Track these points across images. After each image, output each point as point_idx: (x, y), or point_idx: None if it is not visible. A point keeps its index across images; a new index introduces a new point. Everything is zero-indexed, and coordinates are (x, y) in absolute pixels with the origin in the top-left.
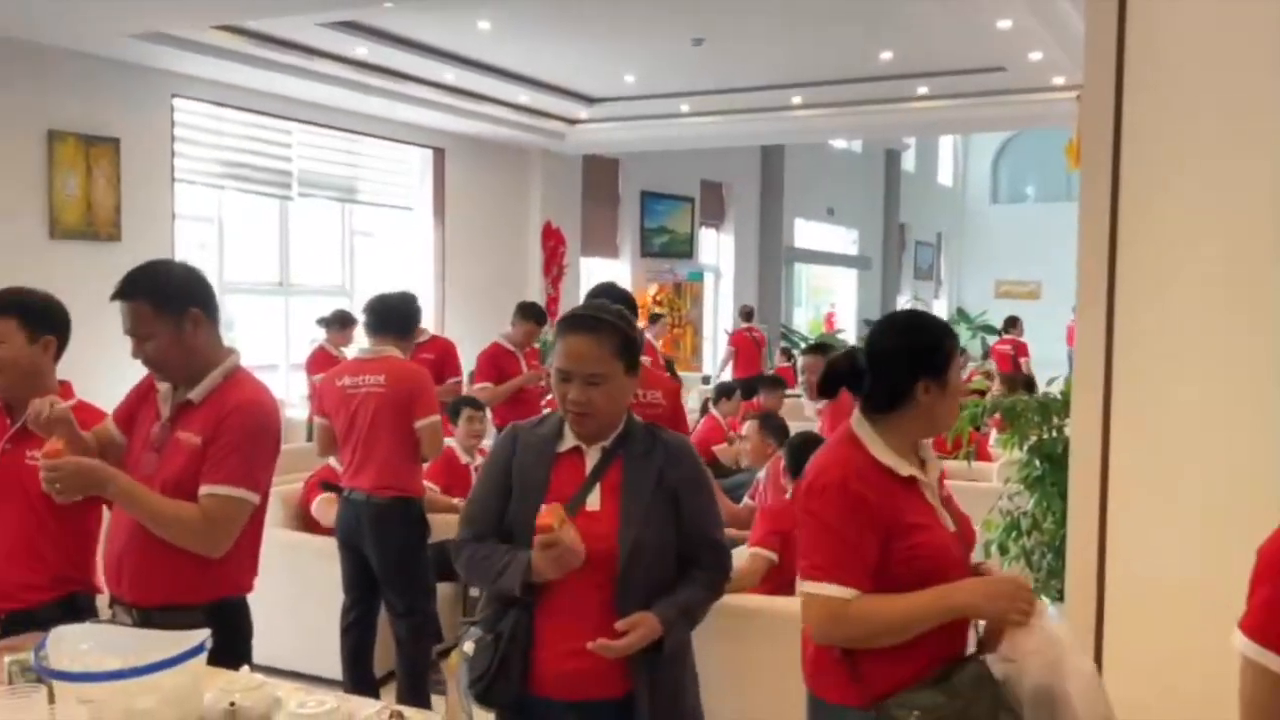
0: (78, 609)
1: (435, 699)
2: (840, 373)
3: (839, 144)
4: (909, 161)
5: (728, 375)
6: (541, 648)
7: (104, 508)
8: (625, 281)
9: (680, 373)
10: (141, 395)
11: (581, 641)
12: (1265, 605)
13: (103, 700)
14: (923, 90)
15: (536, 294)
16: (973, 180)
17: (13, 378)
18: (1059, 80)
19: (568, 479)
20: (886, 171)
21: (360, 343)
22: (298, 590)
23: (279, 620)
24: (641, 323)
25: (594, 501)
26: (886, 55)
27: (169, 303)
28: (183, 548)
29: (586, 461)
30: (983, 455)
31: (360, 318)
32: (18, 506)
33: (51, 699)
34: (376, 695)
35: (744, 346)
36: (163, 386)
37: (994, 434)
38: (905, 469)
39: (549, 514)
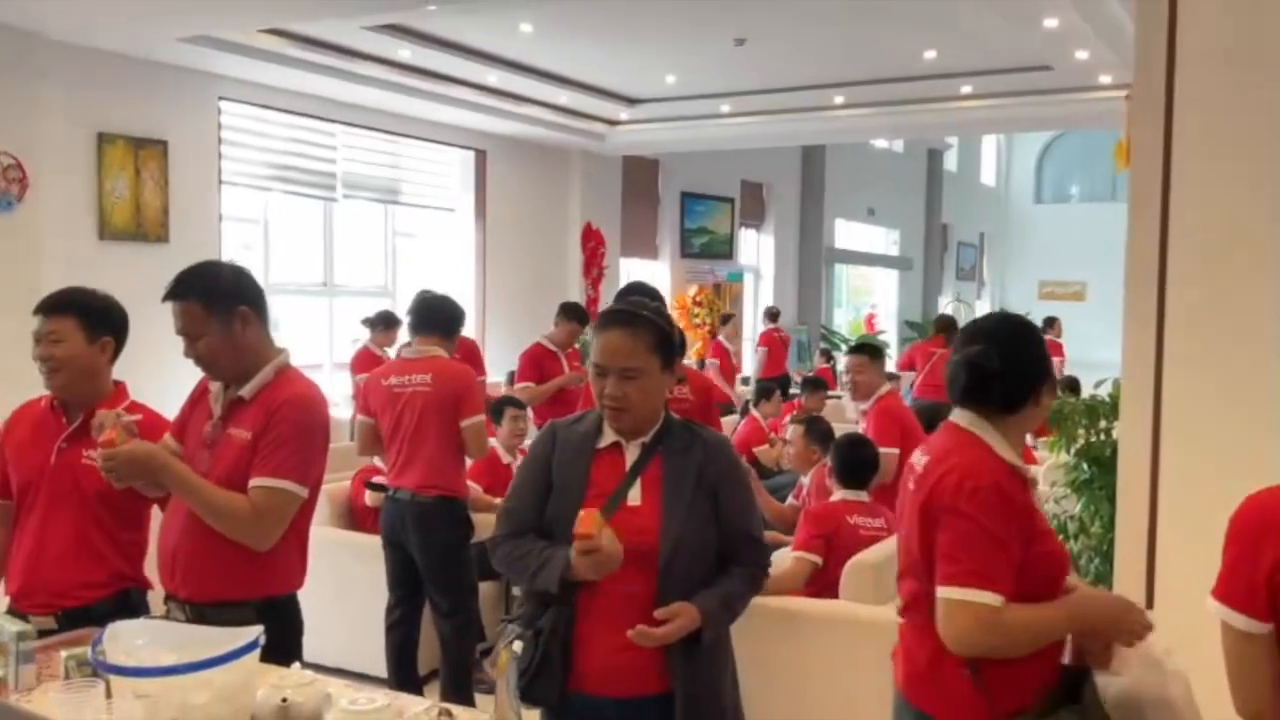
0: (131, 605)
1: (479, 698)
2: (988, 375)
3: (880, 144)
4: (951, 161)
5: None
6: (583, 644)
7: (153, 506)
8: (664, 282)
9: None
10: (195, 400)
11: (623, 637)
12: (1229, 568)
13: (158, 695)
14: (966, 89)
15: (576, 295)
16: (1016, 180)
17: (70, 377)
18: (1106, 79)
19: (608, 475)
20: (928, 171)
21: (403, 343)
22: (344, 588)
23: (325, 617)
24: (680, 321)
25: (635, 497)
26: (930, 54)
27: (219, 302)
28: (234, 541)
29: (626, 457)
30: (1027, 458)
31: (404, 318)
32: (74, 505)
33: (108, 693)
34: (420, 693)
35: (772, 346)
36: (214, 387)
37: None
38: (1027, 472)
39: (588, 522)
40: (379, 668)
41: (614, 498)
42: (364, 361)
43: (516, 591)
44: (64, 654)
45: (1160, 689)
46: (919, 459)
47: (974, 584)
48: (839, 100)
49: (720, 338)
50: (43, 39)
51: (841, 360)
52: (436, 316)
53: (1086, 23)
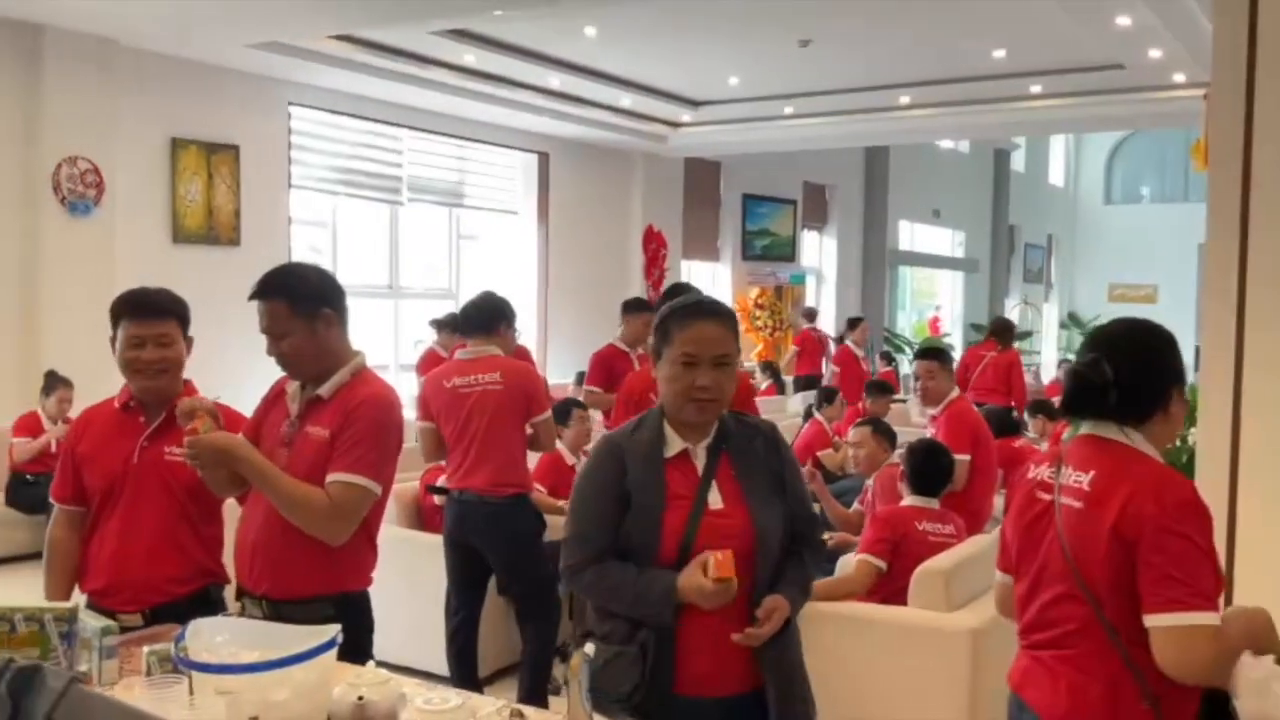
0: (212, 600)
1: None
2: (1096, 386)
3: (946, 144)
4: (1019, 161)
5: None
6: (683, 650)
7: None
8: (725, 284)
9: (782, 377)
10: (270, 401)
11: (721, 639)
12: None
13: (239, 692)
14: (1036, 89)
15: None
16: (1085, 180)
17: (173, 378)
18: (1180, 78)
19: (681, 482)
20: (995, 172)
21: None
22: (409, 587)
23: (390, 615)
24: (741, 324)
25: (715, 500)
26: (999, 53)
27: (304, 303)
28: (312, 537)
29: (696, 462)
30: None
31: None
32: (160, 503)
33: (190, 690)
34: (480, 693)
35: (806, 345)
36: (291, 387)
37: None
38: None
39: (727, 566)
40: (441, 665)
41: (697, 505)
42: (431, 364)
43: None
44: (146, 650)
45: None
46: (1061, 475)
47: (1200, 606)
48: (905, 100)
49: (848, 342)
50: (118, 47)
51: (907, 364)
52: (483, 315)
53: (1161, 21)
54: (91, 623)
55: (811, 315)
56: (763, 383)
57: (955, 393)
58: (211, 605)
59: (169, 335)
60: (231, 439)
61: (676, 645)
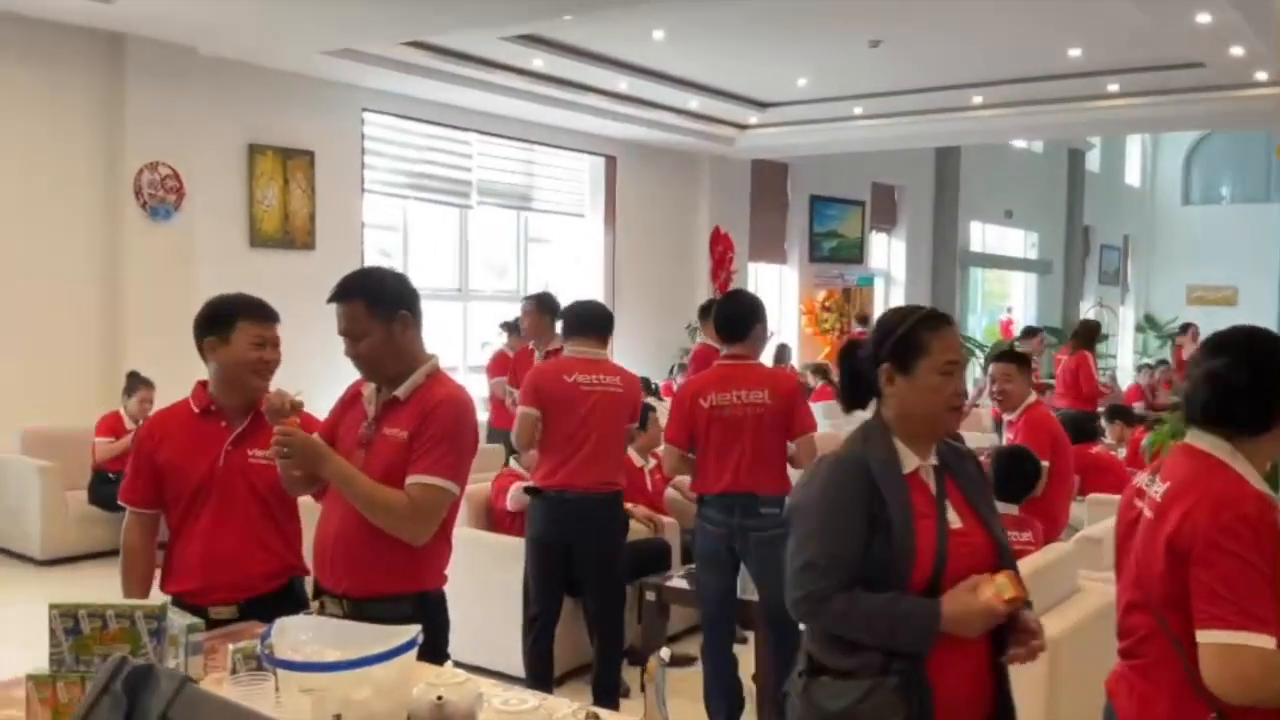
0: (295, 592)
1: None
2: (1239, 391)
3: (1019, 143)
4: (1094, 161)
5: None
6: (936, 679)
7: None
8: (792, 286)
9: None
10: (347, 403)
11: (973, 664)
12: None
13: (323, 690)
14: (1113, 88)
15: (704, 299)
16: (1163, 180)
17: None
18: (1262, 76)
19: (922, 500)
20: (1069, 172)
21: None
22: (479, 587)
23: (459, 615)
24: (808, 327)
25: (954, 519)
26: (1075, 52)
27: (381, 305)
28: (390, 535)
29: (926, 480)
30: None
31: (560, 321)
32: (246, 504)
33: (276, 687)
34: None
35: None
36: (367, 389)
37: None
38: (1276, 500)
39: (1018, 586)
40: (511, 666)
41: (941, 524)
42: (501, 365)
43: (650, 596)
44: (231, 648)
45: None
46: (1152, 484)
47: (1246, 626)
48: (977, 100)
49: (1022, 347)
50: (197, 55)
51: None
52: (598, 321)
53: (1243, 17)
54: (177, 620)
55: (864, 319)
56: (815, 384)
57: (1033, 397)
58: (296, 596)
59: (278, 339)
60: (318, 443)
61: (929, 675)
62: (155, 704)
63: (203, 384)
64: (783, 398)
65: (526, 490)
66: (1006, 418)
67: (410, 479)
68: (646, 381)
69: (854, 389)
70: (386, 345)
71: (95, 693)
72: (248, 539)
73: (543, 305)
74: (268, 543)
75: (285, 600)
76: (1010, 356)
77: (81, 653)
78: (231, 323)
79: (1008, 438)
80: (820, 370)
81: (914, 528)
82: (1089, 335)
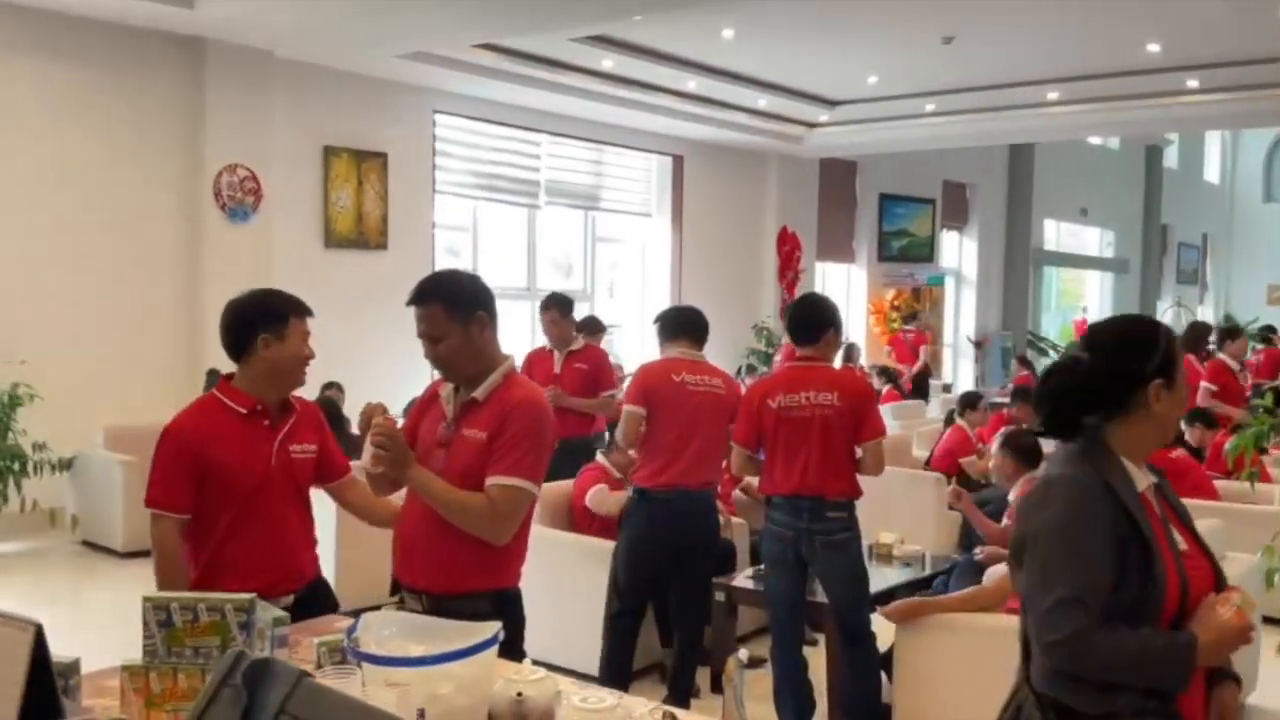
0: (323, 581)
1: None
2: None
3: (1094, 140)
4: (1171, 158)
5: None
6: (1186, 712)
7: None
8: (861, 286)
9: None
10: (425, 404)
11: (1203, 695)
12: None
13: (408, 684)
14: (1192, 83)
15: (771, 299)
16: (1243, 177)
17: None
18: None
19: (1155, 524)
20: (1147, 169)
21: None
22: (552, 585)
23: (534, 613)
24: (876, 326)
25: (1180, 541)
26: (1154, 47)
27: (459, 306)
28: (471, 534)
29: (1152, 500)
30: (1265, 477)
31: (656, 324)
32: (294, 498)
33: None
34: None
35: (899, 347)
36: (445, 390)
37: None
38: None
39: (1250, 602)
40: (585, 665)
41: (1173, 547)
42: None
43: (720, 596)
44: (316, 641)
45: None
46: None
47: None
48: (1053, 96)
49: (1222, 355)
50: (273, 59)
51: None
52: (701, 325)
53: None
54: (263, 613)
55: (913, 317)
56: (882, 387)
57: None
58: (326, 585)
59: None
60: (408, 449)
61: (1180, 709)
62: (274, 697)
63: (228, 383)
64: (852, 400)
65: (639, 491)
66: None
67: (490, 480)
68: None
69: (1067, 411)
70: (465, 347)
71: (215, 684)
72: (300, 533)
73: (566, 308)
74: (310, 533)
75: (322, 589)
76: None
77: (173, 644)
78: (286, 318)
79: None
80: (885, 372)
81: (1163, 554)
82: (1195, 338)
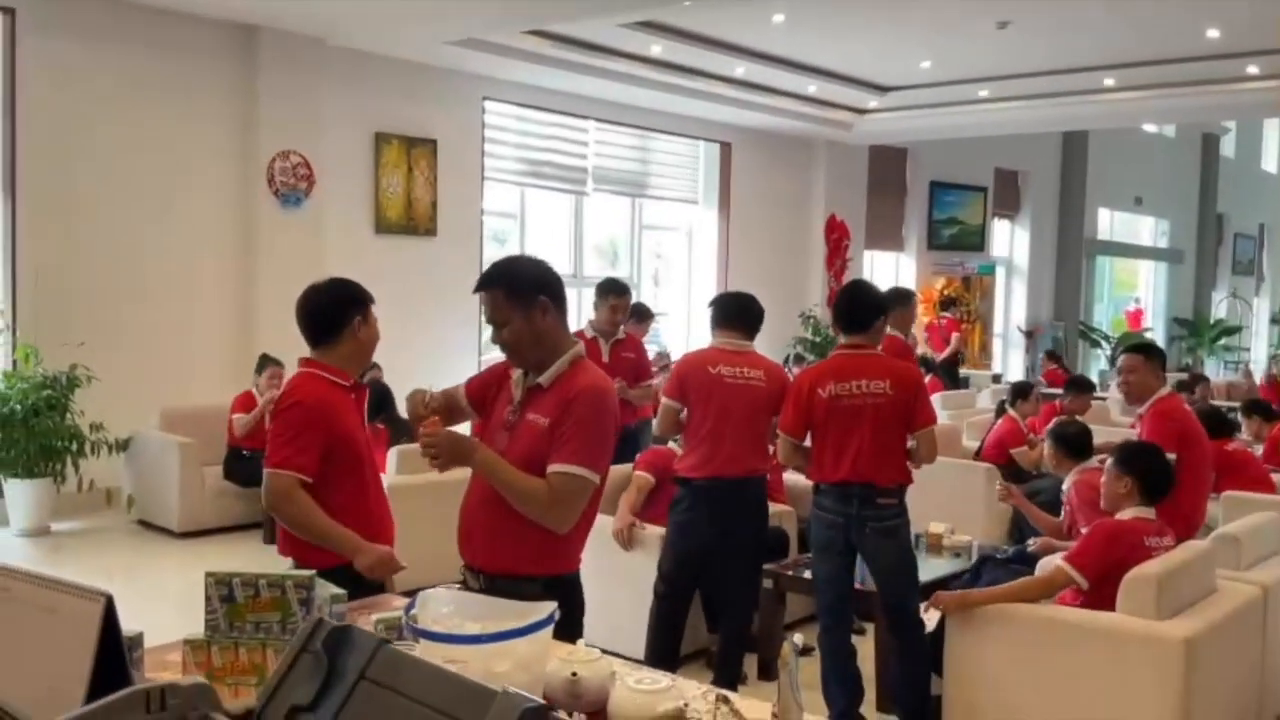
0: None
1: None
2: None
3: (1150, 128)
4: (1229, 146)
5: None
6: None
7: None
8: (910, 275)
9: (969, 371)
10: (498, 378)
11: None
12: None
13: (466, 661)
14: (1252, 70)
15: (819, 287)
16: None
17: None
18: None
19: None
20: (1203, 157)
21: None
22: (606, 570)
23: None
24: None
25: None
26: (1213, 33)
27: (520, 291)
28: (531, 520)
29: None
30: None
31: (709, 312)
32: (377, 466)
33: None
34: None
35: (933, 334)
36: (515, 373)
37: None
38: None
39: None
40: (635, 650)
41: None
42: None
43: (766, 583)
44: (374, 618)
45: None
46: None
47: None
48: (1109, 83)
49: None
50: (325, 46)
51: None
52: (751, 314)
53: None
54: (321, 590)
55: (951, 304)
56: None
57: (1165, 390)
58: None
59: None
60: (463, 437)
61: None
62: (354, 663)
63: (319, 362)
64: (905, 388)
65: (678, 480)
66: (1137, 412)
67: (551, 468)
68: None
69: None
70: (526, 331)
71: (294, 651)
72: (385, 497)
73: (629, 299)
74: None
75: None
76: (1138, 348)
77: (235, 619)
78: (367, 303)
79: (1139, 432)
80: (923, 361)
81: None
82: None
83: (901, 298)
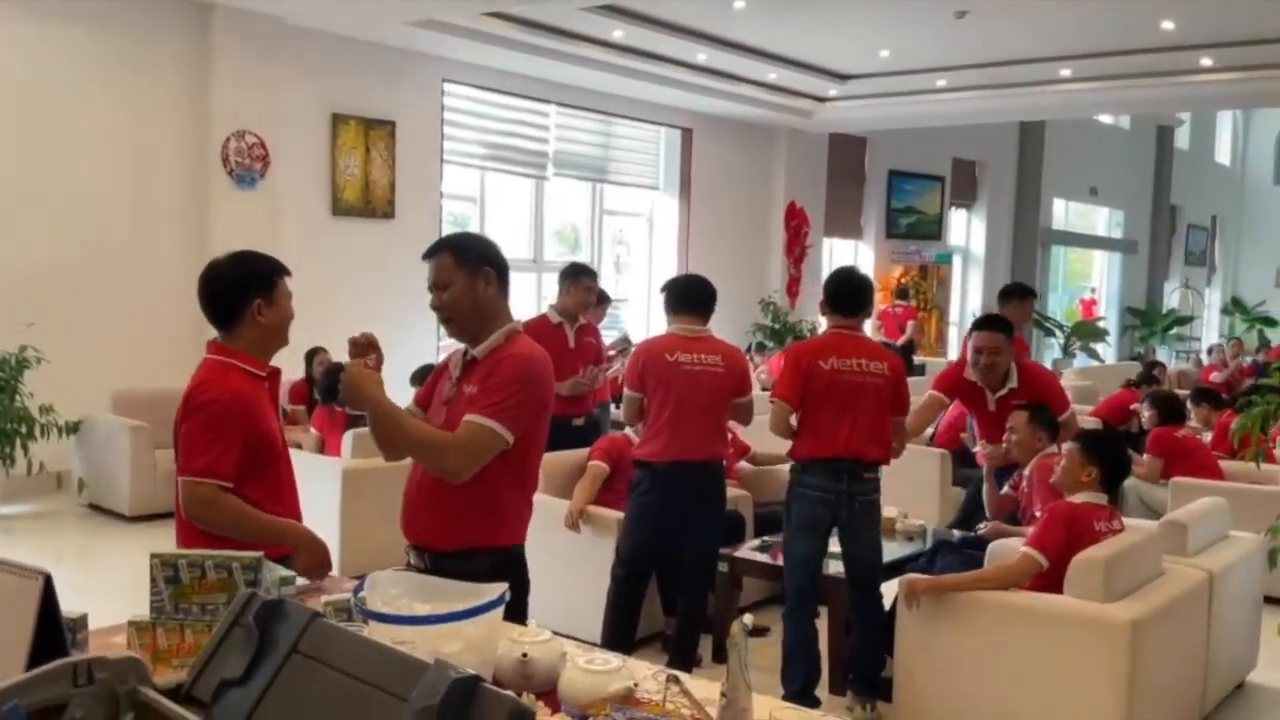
0: None
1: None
2: None
3: (1105, 119)
4: (1183, 138)
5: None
6: None
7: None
8: (868, 263)
9: (925, 359)
10: (438, 372)
11: None
12: None
13: (414, 643)
14: (1206, 62)
15: (779, 274)
16: (1254, 159)
17: None
18: None
19: None
20: (1158, 149)
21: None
22: (560, 552)
23: (538, 579)
24: (883, 303)
25: None
26: (1168, 25)
27: (468, 257)
28: (462, 489)
29: None
30: (1270, 458)
31: (660, 296)
32: (289, 456)
33: None
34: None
35: (888, 323)
36: (455, 358)
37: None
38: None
39: None
40: (589, 633)
41: None
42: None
43: (723, 568)
44: (323, 599)
45: None
46: None
47: None
48: (1065, 73)
49: None
50: (284, 24)
51: (1058, 348)
52: (704, 298)
53: None
54: (269, 572)
55: (905, 294)
56: None
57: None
58: None
59: None
60: (365, 375)
61: None
62: (286, 637)
63: (229, 348)
64: (897, 375)
65: (635, 464)
66: (1007, 387)
67: (464, 418)
68: None
69: None
70: (468, 296)
71: (227, 625)
72: (297, 495)
73: (595, 277)
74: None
75: None
76: (996, 323)
77: (180, 601)
78: (272, 280)
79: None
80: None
81: None
82: None
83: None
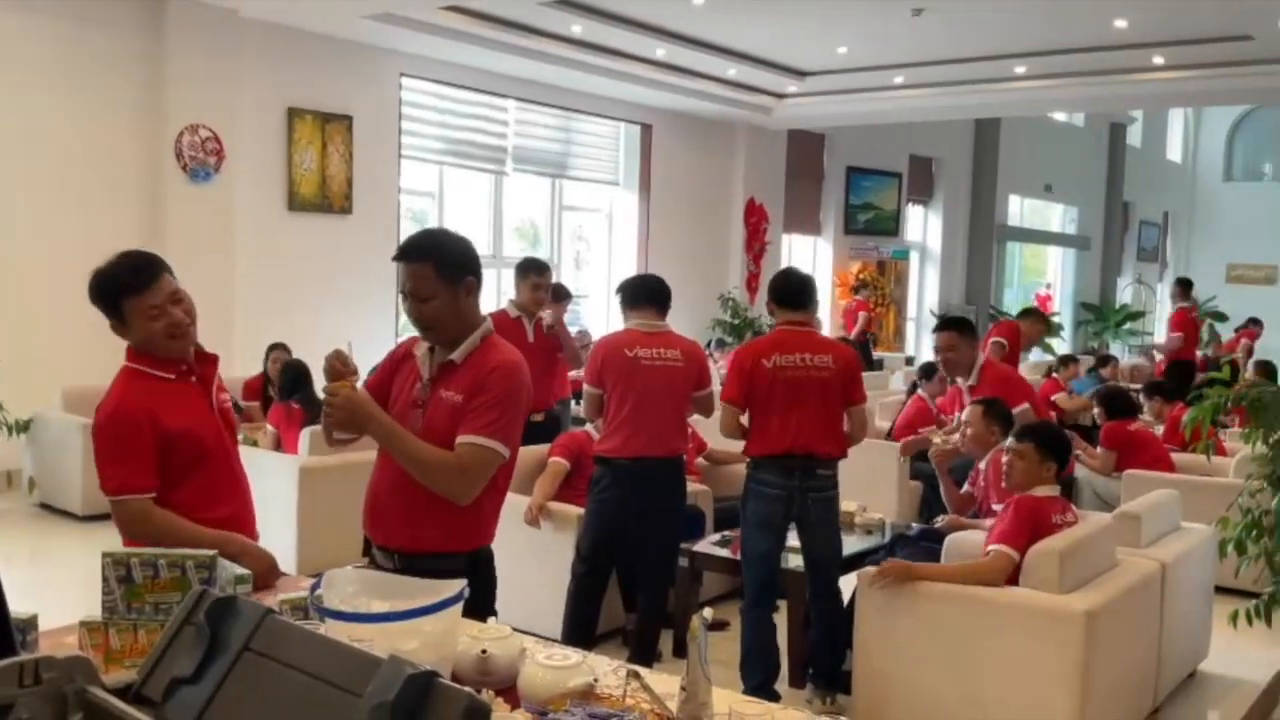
0: None
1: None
2: None
3: (1059, 116)
4: (1135, 136)
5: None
6: None
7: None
8: (827, 259)
9: (883, 354)
10: (398, 360)
11: None
12: None
13: (371, 640)
14: (1158, 60)
15: (738, 270)
16: (1205, 156)
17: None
18: None
19: None
20: (1111, 146)
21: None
22: (523, 550)
23: (499, 576)
24: (841, 300)
25: None
26: (1121, 23)
27: (450, 268)
28: (438, 493)
29: None
30: (1220, 450)
31: (619, 294)
32: (235, 449)
33: None
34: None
35: (846, 318)
36: (420, 349)
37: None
38: None
39: None
40: (551, 630)
41: None
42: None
43: (683, 563)
44: (280, 597)
45: None
46: None
47: None
48: (1020, 71)
49: None
50: (238, 18)
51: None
52: (661, 294)
53: None
54: (224, 571)
55: (862, 288)
56: None
57: (981, 358)
58: None
59: (176, 289)
60: (364, 400)
61: None
62: (238, 634)
63: (132, 352)
64: (844, 365)
65: (596, 460)
66: (964, 385)
67: (461, 439)
68: None
69: None
70: (451, 309)
71: (177, 623)
72: (244, 489)
73: (545, 273)
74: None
75: None
76: (952, 323)
77: (133, 600)
78: (117, 304)
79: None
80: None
81: None
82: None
83: None
